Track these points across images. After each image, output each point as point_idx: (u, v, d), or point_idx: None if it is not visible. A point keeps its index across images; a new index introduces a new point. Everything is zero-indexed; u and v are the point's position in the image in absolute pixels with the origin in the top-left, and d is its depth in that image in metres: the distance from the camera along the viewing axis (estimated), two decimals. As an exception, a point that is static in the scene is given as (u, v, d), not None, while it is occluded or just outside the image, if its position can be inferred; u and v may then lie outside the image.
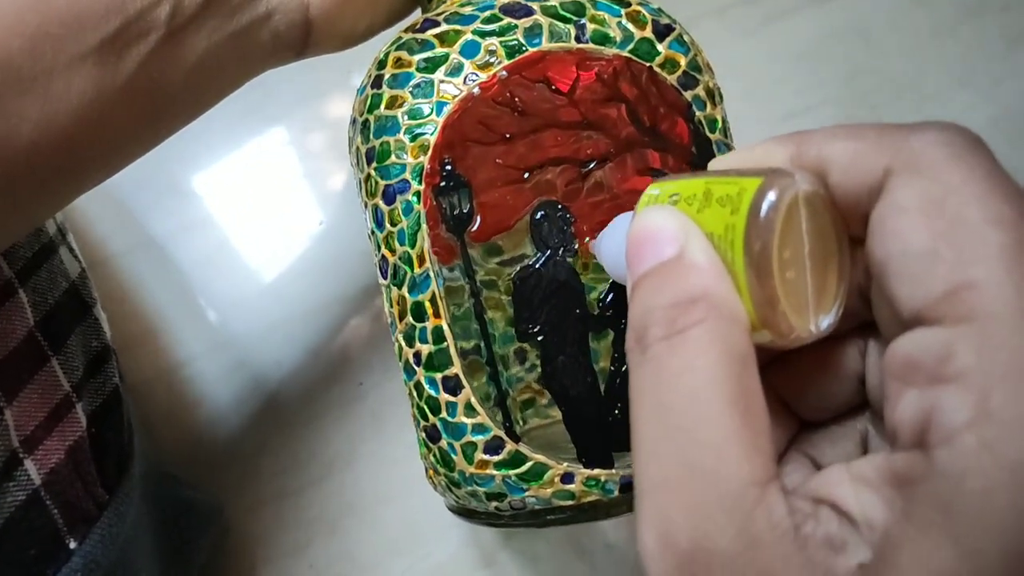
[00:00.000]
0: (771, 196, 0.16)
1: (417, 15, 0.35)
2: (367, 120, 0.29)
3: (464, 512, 0.31)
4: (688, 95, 0.29)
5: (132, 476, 0.30)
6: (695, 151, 0.29)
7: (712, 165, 0.21)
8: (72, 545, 0.26)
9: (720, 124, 0.30)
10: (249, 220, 0.46)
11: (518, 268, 0.28)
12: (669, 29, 0.30)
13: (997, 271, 0.14)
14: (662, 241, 0.17)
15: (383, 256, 0.29)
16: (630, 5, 0.30)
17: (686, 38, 0.30)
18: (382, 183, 0.29)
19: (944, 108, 0.49)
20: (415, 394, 0.29)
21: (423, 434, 0.30)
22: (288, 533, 0.39)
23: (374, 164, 0.29)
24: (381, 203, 0.29)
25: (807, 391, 0.19)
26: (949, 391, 0.14)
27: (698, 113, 0.29)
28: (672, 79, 0.29)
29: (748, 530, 0.14)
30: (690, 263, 0.17)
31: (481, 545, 0.40)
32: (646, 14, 0.30)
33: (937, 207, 0.15)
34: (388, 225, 0.29)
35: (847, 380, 0.19)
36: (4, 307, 0.26)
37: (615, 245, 0.24)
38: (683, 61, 0.30)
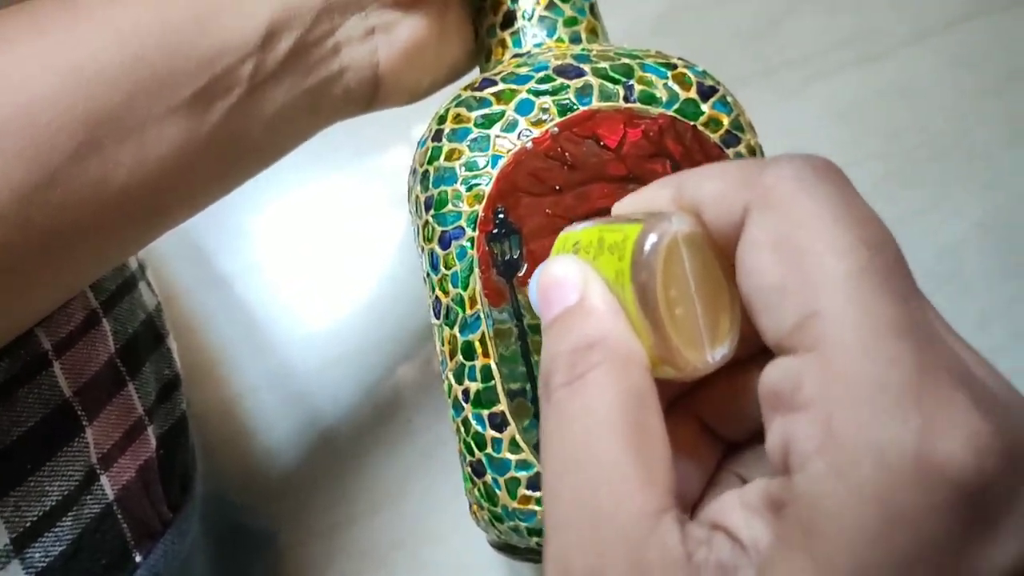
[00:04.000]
0: (651, 239, 0.18)
1: (475, 74, 0.38)
2: (427, 171, 0.31)
3: (506, 548, 0.32)
4: (731, 152, 0.31)
5: (194, 497, 0.32)
6: (737, 205, 0.31)
7: (614, 210, 0.22)
8: (138, 558, 0.28)
9: (761, 180, 0.31)
10: (310, 261, 0.48)
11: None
12: (713, 90, 0.32)
13: (839, 299, 0.14)
14: (566, 287, 0.19)
15: (436, 297, 0.31)
16: (676, 68, 0.32)
17: (729, 99, 0.32)
18: (439, 229, 0.31)
19: (992, 166, 0.50)
20: (462, 430, 0.31)
21: (468, 469, 0.31)
22: (338, 565, 0.40)
23: (432, 211, 0.31)
24: (437, 248, 0.31)
25: (725, 413, 0.20)
26: (800, 418, 0.14)
27: (740, 169, 0.31)
28: (715, 137, 0.31)
29: (640, 561, 0.15)
30: (589, 308, 0.18)
31: (523, 584, 0.41)
32: (691, 76, 0.31)
33: (786, 241, 0.15)
34: (443, 268, 0.31)
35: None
36: (90, 334, 0.29)
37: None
38: (726, 120, 0.31)
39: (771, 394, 0.15)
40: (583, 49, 0.33)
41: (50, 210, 0.23)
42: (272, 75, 0.28)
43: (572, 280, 0.19)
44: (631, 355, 0.17)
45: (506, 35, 0.35)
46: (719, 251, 0.18)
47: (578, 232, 0.21)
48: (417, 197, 0.32)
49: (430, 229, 0.31)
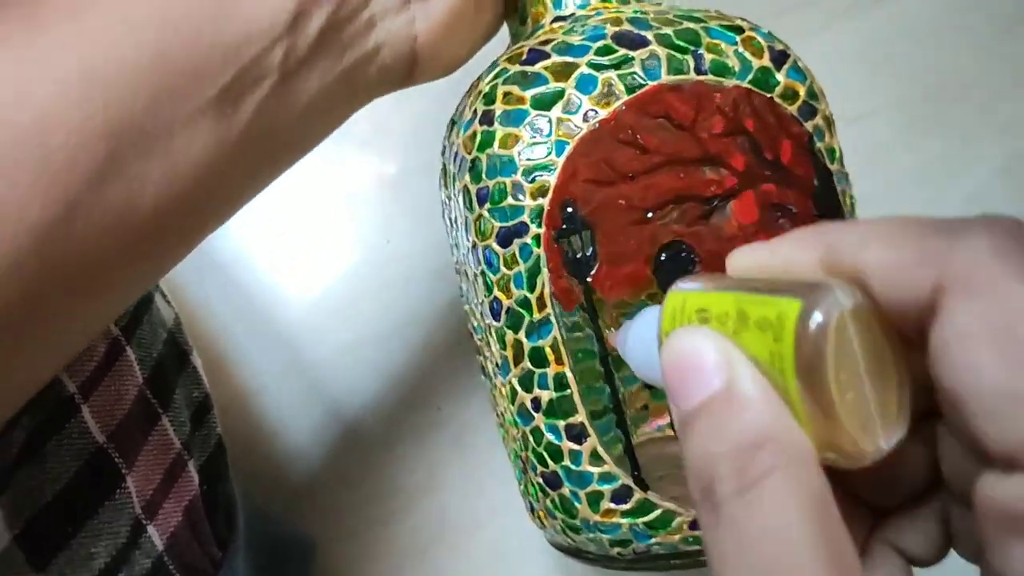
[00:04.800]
0: (817, 320, 0.15)
1: (504, 37, 0.34)
2: (477, 159, 0.28)
3: (574, 552, 0.31)
4: (809, 125, 0.28)
5: (239, 528, 0.29)
6: (817, 183, 0.28)
7: (732, 264, 0.19)
8: None
9: (838, 153, 0.29)
10: (315, 240, 0.44)
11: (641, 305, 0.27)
12: (784, 56, 0.29)
13: None
14: (706, 370, 0.16)
15: (495, 298, 0.28)
16: (743, 31, 0.29)
17: (800, 64, 0.29)
18: (496, 225, 0.28)
19: (1016, 106, 0.48)
20: (531, 439, 0.28)
21: (539, 479, 0.29)
22: (377, 563, 0.38)
23: (487, 205, 0.28)
24: (494, 245, 0.28)
25: (879, 483, 0.19)
26: None
27: (818, 143, 0.28)
28: (793, 109, 0.28)
29: None
30: (743, 397, 0.16)
31: (571, 569, 0.40)
32: (761, 40, 0.29)
33: (1006, 335, 0.13)
34: (503, 268, 0.28)
35: (918, 465, 0.18)
36: (115, 367, 0.25)
37: (643, 348, 0.22)
38: (802, 90, 0.29)
39: (1007, 515, 0.13)
40: (636, 11, 0.30)
41: (72, 246, 0.19)
42: (304, 60, 0.24)
43: (712, 360, 0.16)
44: (804, 454, 0.15)
45: (546, -6, 0.31)
46: (887, 325, 0.16)
47: (702, 295, 0.18)
48: (466, 188, 0.29)
49: (485, 224, 0.28)
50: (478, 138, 0.28)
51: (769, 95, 0.28)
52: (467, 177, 0.29)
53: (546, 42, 0.29)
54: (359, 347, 0.42)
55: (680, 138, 0.27)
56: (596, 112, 0.27)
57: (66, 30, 0.20)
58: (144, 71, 0.21)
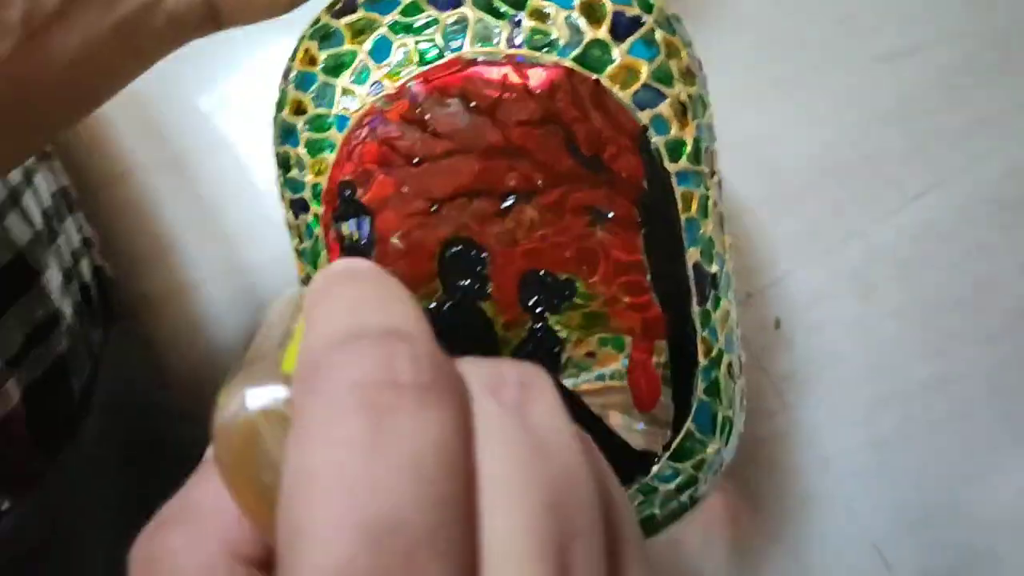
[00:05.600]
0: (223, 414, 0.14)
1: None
2: (275, 118, 0.26)
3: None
4: (645, 115, 0.24)
5: (80, 440, 0.31)
6: (647, 187, 0.24)
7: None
8: (6, 505, 0.28)
9: (689, 148, 0.24)
10: (267, 145, 0.44)
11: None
12: (634, 24, 0.24)
13: None
14: None
15: (296, 265, 0.27)
16: (592, -11, 0.24)
17: (658, 35, 0.24)
18: (288, 195, 0.26)
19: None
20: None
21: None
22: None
23: (280, 172, 0.26)
24: (289, 214, 0.26)
25: None
26: None
27: (656, 138, 0.24)
28: (626, 95, 0.24)
29: None
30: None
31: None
32: (606, 2, 0.24)
33: None
34: (296, 238, 0.26)
35: None
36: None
37: None
38: (644, 70, 0.24)
39: None
40: (481, -47, 0.25)
41: None
42: (56, 15, 0.23)
43: None
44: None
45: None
46: None
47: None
48: (273, 144, 0.27)
49: (282, 190, 0.26)
50: (279, 97, 0.26)
51: (596, 76, 0.23)
52: (273, 132, 0.27)
53: (371, -13, 0.25)
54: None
55: (478, 123, 0.24)
56: (382, 85, 0.24)
57: None
58: None
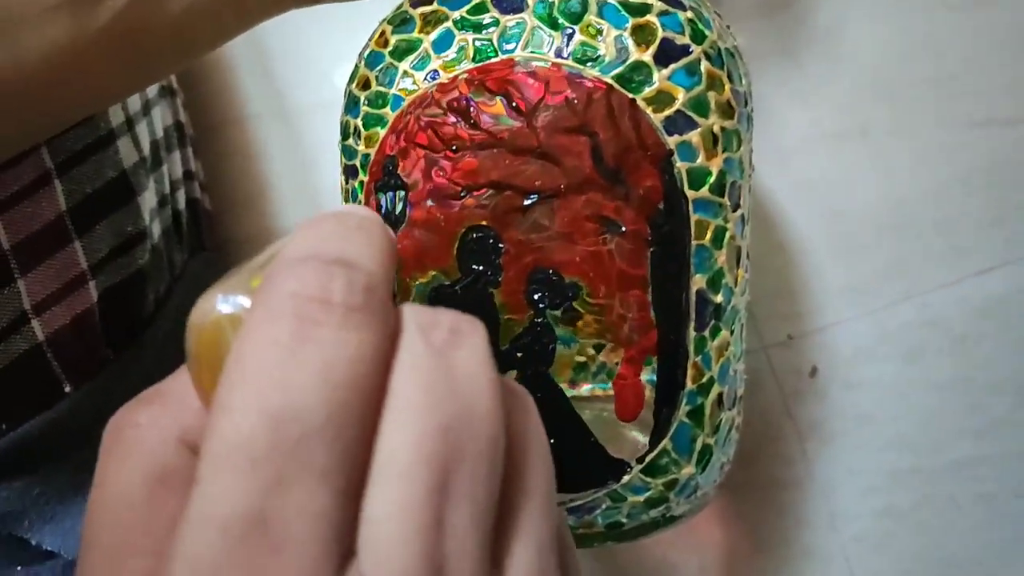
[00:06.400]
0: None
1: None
2: (346, 89, 0.29)
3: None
4: (673, 140, 0.25)
5: (143, 343, 0.35)
6: (663, 208, 0.25)
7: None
8: (67, 389, 0.32)
9: (713, 179, 0.25)
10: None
11: (436, 284, 0.27)
12: (682, 52, 0.25)
13: None
14: None
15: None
16: (647, 12, 0.25)
17: (703, 66, 0.25)
18: (344, 160, 0.29)
19: None
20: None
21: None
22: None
23: (341, 138, 0.29)
24: (342, 178, 0.29)
25: None
26: None
27: (681, 163, 0.25)
28: (658, 118, 0.25)
29: None
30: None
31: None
32: (659, 28, 0.25)
33: None
34: (345, 201, 0.29)
35: None
36: (37, 195, 0.31)
37: None
38: (681, 96, 0.25)
39: None
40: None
41: None
42: None
43: None
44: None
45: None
46: None
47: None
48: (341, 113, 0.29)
49: (340, 155, 0.29)
50: (352, 71, 0.28)
51: (632, 96, 0.25)
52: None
53: (453, -18, 0.27)
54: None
55: (516, 123, 0.25)
56: (438, 74, 0.26)
57: None
58: None
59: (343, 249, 0.16)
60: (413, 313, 0.17)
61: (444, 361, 0.16)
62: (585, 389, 0.26)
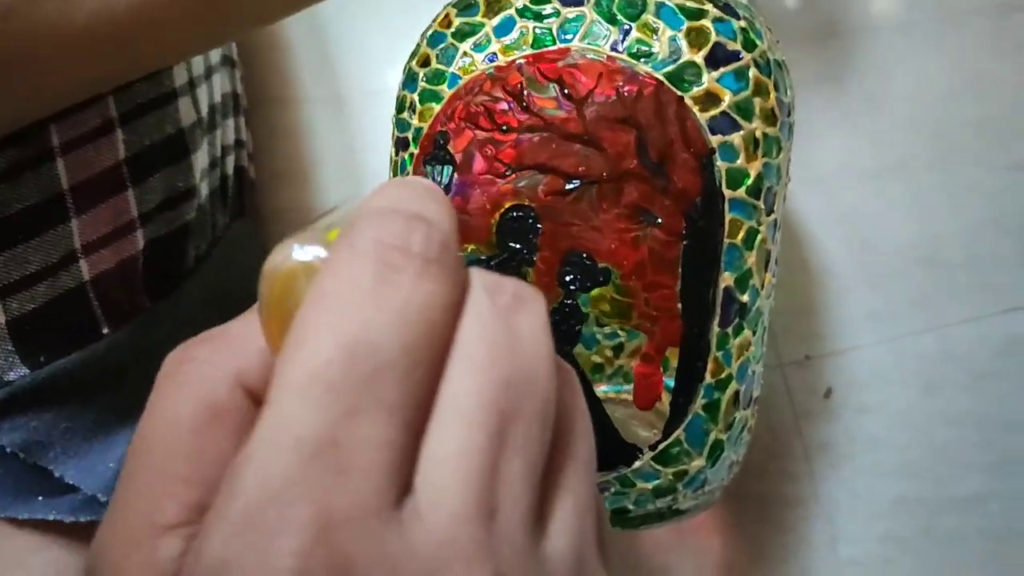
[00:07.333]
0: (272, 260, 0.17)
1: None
2: (405, 66, 0.30)
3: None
4: (716, 140, 0.26)
5: (180, 295, 0.36)
6: (699, 203, 0.26)
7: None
8: (105, 331, 0.34)
9: (751, 181, 0.26)
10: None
11: (473, 259, 0.28)
12: (732, 57, 0.26)
13: None
14: None
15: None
16: (703, 16, 0.26)
17: (751, 72, 0.26)
18: (396, 133, 0.30)
19: None
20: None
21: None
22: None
23: (395, 112, 0.30)
24: (392, 150, 0.30)
25: None
26: None
27: (721, 163, 0.26)
28: (704, 117, 0.26)
29: None
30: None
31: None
32: (712, 32, 0.26)
33: None
34: (393, 173, 0.30)
35: None
36: (99, 141, 0.33)
37: None
38: (727, 99, 0.26)
39: None
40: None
41: (8, 40, 0.25)
42: None
43: None
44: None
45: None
46: None
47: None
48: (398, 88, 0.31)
49: (393, 128, 0.30)
50: (413, 48, 0.30)
51: (681, 94, 0.25)
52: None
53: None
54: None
55: (566, 110, 0.26)
56: (496, 57, 0.27)
57: None
58: None
59: (422, 207, 0.17)
60: (480, 276, 0.17)
61: (507, 323, 0.17)
62: (599, 391, 0.27)
